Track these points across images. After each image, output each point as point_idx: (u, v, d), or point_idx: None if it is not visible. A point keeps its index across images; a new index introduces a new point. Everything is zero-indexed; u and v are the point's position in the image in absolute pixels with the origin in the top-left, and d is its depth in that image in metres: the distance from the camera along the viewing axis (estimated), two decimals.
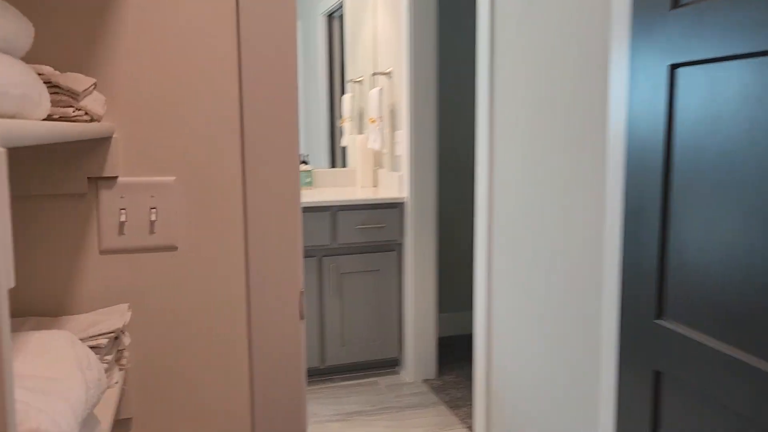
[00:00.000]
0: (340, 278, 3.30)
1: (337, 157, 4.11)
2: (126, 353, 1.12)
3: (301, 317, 1.25)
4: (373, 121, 3.51)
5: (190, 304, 1.18)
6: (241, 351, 1.21)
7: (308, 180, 3.72)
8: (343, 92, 4.03)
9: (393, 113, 3.51)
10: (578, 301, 1.89)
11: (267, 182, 1.18)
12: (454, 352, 3.80)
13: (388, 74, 3.53)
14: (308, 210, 3.19)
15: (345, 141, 4.05)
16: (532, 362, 2.20)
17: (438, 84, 3.35)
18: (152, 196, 1.13)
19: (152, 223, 1.14)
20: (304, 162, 3.86)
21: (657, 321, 1.39)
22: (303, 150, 4.02)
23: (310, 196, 3.38)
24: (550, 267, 2.04)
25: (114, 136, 1.11)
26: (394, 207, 3.34)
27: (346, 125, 4.02)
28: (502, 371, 2.44)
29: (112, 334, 0.98)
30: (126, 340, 1.06)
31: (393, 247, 3.38)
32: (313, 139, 4.09)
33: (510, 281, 2.34)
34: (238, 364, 1.21)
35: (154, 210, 1.13)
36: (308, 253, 3.25)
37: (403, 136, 3.33)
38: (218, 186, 1.17)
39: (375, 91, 3.50)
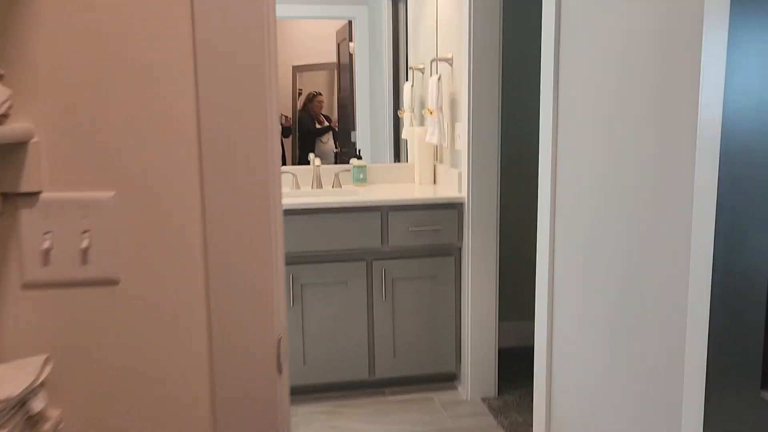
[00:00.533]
0: (392, 284, 3.03)
1: (401, 150, 3.84)
2: (51, 414, 0.89)
3: (279, 371, 0.98)
4: (431, 113, 3.20)
5: (136, 353, 0.93)
6: (201, 413, 0.96)
7: (361, 176, 3.46)
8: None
9: (453, 104, 3.18)
10: (655, 331, 1.54)
11: (232, 197, 0.91)
12: (518, 366, 3.45)
13: (448, 60, 3.20)
14: (356, 210, 2.93)
15: (405, 133, 3.77)
16: (597, 394, 1.85)
17: (502, 71, 3.00)
18: (85, 217, 0.89)
19: (85, 250, 0.89)
20: (358, 157, 3.60)
21: (764, 393, 1.03)
22: (362, 143, 3.76)
23: (359, 195, 3.11)
24: (622, 282, 1.69)
25: (33, 140, 0.87)
26: (452, 207, 3.02)
27: (406, 116, 3.74)
28: (565, 399, 2.09)
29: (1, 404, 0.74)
30: (38, 404, 0.82)
31: (450, 252, 3.07)
32: (378, 131, 3.83)
33: (575, 293, 1.99)
34: (197, 429, 0.96)
35: (87, 234, 0.89)
36: (357, 257, 2.99)
37: (463, 129, 3.00)
38: (170, 203, 0.91)
39: (433, 79, 3.19)
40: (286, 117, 3.74)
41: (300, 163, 3.67)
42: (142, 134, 0.89)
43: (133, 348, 0.93)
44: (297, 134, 3.80)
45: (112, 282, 0.91)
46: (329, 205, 2.89)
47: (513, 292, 3.70)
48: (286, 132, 3.74)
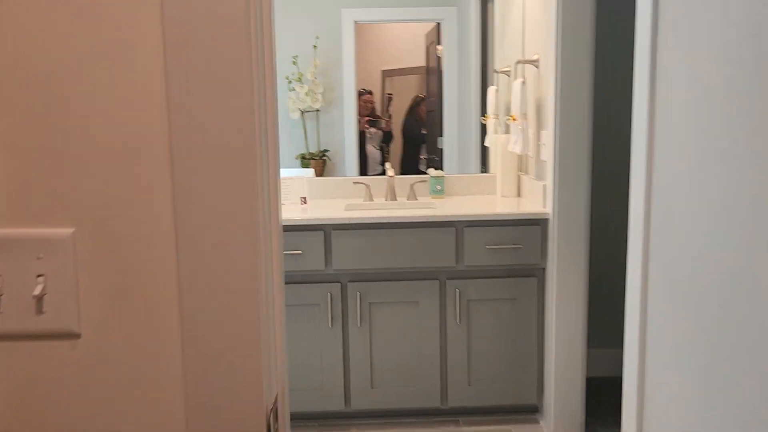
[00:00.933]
0: (467, 306, 2.80)
1: (489, 159, 3.61)
2: None
3: None
4: (514, 119, 2.94)
5: (99, 418, 0.78)
6: None
7: (438, 188, 3.25)
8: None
9: (539, 109, 2.91)
10: None
11: (212, 233, 0.74)
12: (609, 399, 3.11)
13: (534, 62, 2.93)
14: (428, 225, 2.72)
15: (488, 141, 3.52)
16: None
17: (594, 74, 2.70)
18: (39, 258, 0.75)
19: (39, 297, 0.75)
20: (434, 167, 3.39)
21: None
22: (448, 151, 3.56)
23: (433, 208, 2.91)
24: (731, 309, 1.39)
25: None
26: (535, 224, 2.75)
27: (490, 123, 3.49)
28: None
29: None
30: None
31: (533, 272, 2.80)
32: (465, 138, 3.63)
33: (672, 320, 1.69)
34: None
35: (41, 278, 0.75)
36: (429, 275, 2.78)
37: (549, 137, 2.73)
38: (139, 240, 0.75)
39: (517, 83, 2.93)
40: (386, 121, 3.60)
41: (406, 172, 3.50)
42: (106, 159, 0.74)
43: (97, 412, 0.78)
44: (402, 140, 3.66)
45: (72, 335, 0.77)
46: (398, 220, 2.71)
47: (604, 316, 3.36)
48: (387, 138, 3.60)
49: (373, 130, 3.56)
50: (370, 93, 3.58)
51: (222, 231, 0.74)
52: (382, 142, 3.60)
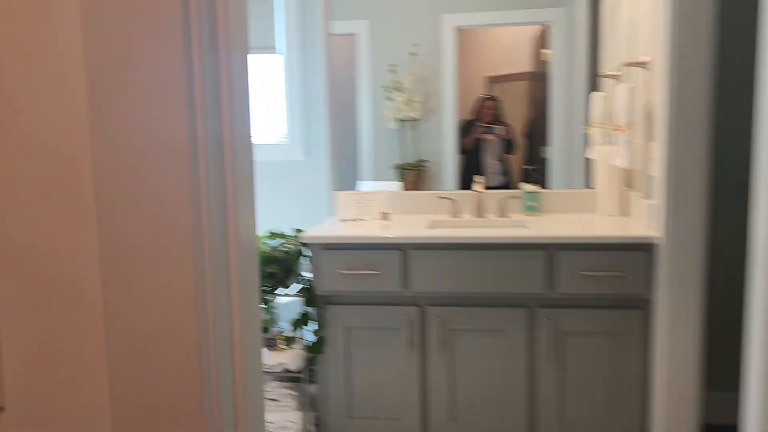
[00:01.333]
0: (560, 338, 2.51)
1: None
2: None
3: None
4: (619, 129, 2.62)
5: None
6: None
7: (532, 204, 2.97)
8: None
9: (649, 118, 2.57)
10: None
11: (141, 280, 0.58)
12: None
13: (644, 65, 2.60)
14: (517, 248, 2.47)
15: (591, 153, 3.20)
16: None
17: (716, 79, 2.34)
18: None
19: None
20: (535, 180, 3.11)
21: None
22: (556, 162, 3.28)
23: (523, 227, 2.64)
24: None
25: None
26: (640, 249, 2.42)
27: (596, 132, 3.17)
28: None
29: None
30: None
31: (637, 304, 2.47)
32: (571, 149, 3.33)
33: None
34: None
35: None
36: (517, 302, 2.52)
37: (659, 150, 2.40)
38: (68, 296, 0.60)
39: (623, 88, 2.61)
40: (508, 128, 3.35)
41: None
42: (30, 201, 0.60)
43: None
44: (525, 150, 3.42)
45: None
46: (481, 240, 2.47)
47: (726, 354, 2.93)
48: (507, 147, 3.33)
49: (489, 137, 3.32)
50: (492, 99, 3.34)
51: (155, 280, 0.57)
52: (504, 151, 3.33)
